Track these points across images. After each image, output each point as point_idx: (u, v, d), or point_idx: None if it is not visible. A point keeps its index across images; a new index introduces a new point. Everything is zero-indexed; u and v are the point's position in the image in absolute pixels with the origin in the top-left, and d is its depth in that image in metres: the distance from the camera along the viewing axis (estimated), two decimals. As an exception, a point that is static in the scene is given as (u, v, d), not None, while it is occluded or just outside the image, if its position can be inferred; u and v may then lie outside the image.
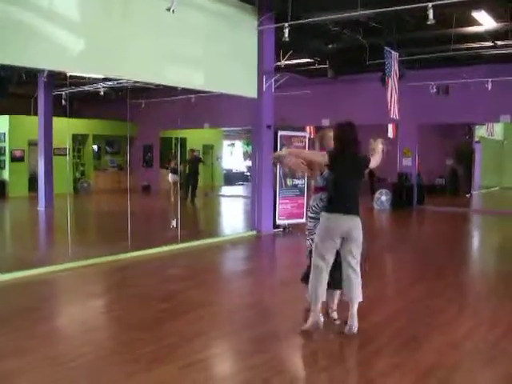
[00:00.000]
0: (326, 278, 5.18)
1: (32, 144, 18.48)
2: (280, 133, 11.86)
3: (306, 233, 5.68)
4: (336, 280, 5.29)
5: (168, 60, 9.61)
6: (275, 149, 11.39)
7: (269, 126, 11.67)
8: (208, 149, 26.08)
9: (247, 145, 30.24)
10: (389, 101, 12.29)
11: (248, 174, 26.50)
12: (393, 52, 12.33)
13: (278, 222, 12.07)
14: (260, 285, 7.60)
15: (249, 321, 5.78)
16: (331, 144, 5.39)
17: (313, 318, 5.21)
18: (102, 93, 18.03)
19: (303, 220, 12.24)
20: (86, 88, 17.75)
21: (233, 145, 32.62)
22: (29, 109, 17.79)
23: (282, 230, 12.07)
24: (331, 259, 5.19)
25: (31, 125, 17.15)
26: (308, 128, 18.69)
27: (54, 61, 8.05)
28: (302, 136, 12.50)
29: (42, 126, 16.04)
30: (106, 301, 6.85)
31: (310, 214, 5.65)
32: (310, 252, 5.40)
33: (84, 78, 15.92)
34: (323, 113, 18.44)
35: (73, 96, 18.17)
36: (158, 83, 11.10)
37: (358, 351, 4.96)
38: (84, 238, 10.66)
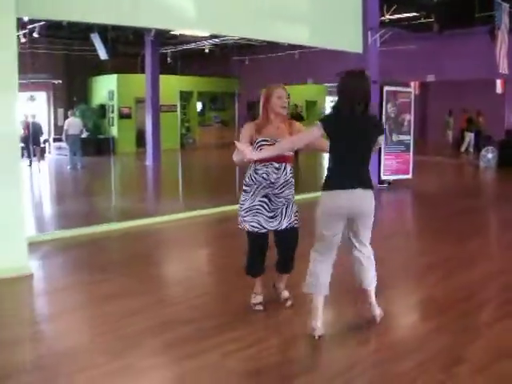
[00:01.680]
0: (328, 267, 4.21)
1: (139, 101, 19.13)
2: (386, 88, 11.70)
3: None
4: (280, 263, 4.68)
5: (272, 16, 9.60)
6: (380, 105, 11.28)
7: (374, 82, 11.47)
8: (311, 105, 25.93)
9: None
10: (497, 55, 11.71)
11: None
12: (503, 4, 11.67)
13: (383, 177, 12.05)
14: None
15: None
16: (279, 109, 4.40)
17: (318, 323, 4.13)
18: (207, 50, 18.33)
19: (409, 176, 12.14)
20: (191, 46, 18.11)
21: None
22: (136, 67, 18.42)
23: (386, 185, 12.03)
24: (337, 245, 4.19)
25: (138, 83, 17.75)
26: (412, 84, 18.15)
27: (162, 20, 8.26)
28: (407, 91, 12.24)
29: (150, 83, 16.59)
30: (212, 249, 7.19)
31: (243, 187, 4.62)
32: (249, 233, 4.55)
33: (189, 36, 16.23)
34: (428, 68, 17.84)
35: (178, 54, 18.62)
36: (263, 39, 11.15)
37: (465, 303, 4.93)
38: (191, 191, 11.04)
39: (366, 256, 4.26)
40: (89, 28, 12.39)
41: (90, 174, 15.44)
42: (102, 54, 12.72)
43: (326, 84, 25.05)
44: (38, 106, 17.17)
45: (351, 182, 3.99)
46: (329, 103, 28.76)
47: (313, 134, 4.10)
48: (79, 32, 14.58)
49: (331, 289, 4.20)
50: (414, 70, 18.27)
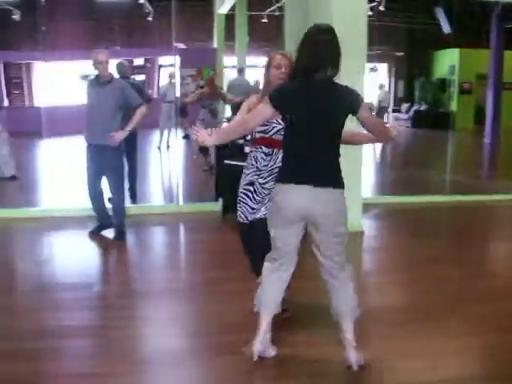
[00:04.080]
0: (281, 280, 3.29)
1: (480, 77, 18.49)
2: None
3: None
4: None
5: None
6: None
7: None
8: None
9: None
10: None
11: None
12: None
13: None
14: None
15: None
16: (276, 80, 3.54)
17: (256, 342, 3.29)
18: None
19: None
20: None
21: None
22: (479, 42, 17.75)
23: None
24: (293, 253, 3.27)
25: (480, 58, 17.13)
26: None
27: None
28: None
29: (493, 59, 15.89)
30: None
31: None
32: (240, 224, 3.84)
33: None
34: None
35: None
36: None
37: None
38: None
39: (339, 279, 3.20)
40: (433, 1, 12.44)
41: (425, 146, 15.59)
42: (446, 27, 12.68)
43: None
44: (378, 77, 17.91)
45: (310, 175, 3.03)
46: None
47: (260, 113, 3.11)
48: (423, 5, 14.73)
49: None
50: None
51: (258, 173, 3.67)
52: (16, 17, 15.40)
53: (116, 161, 5.70)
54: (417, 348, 3.51)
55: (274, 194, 3.16)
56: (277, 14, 16.44)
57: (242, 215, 3.75)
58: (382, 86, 15.61)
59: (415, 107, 18.81)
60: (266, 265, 3.30)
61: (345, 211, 3.13)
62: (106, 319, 4.05)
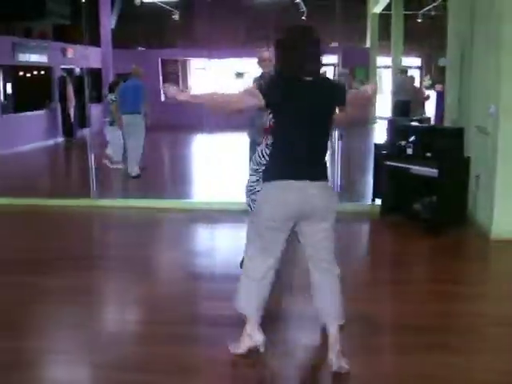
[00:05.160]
0: (265, 283, 3.12)
1: None
2: None
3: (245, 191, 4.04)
4: None
5: None
6: None
7: None
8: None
9: None
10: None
11: None
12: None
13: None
14: None
15: None
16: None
17: (248, 340, 3.20)
18: None
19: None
20: None
21: None
22: None
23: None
24: (278, 253, 3.09)
25: None
26: None
27: None
28: None
29: None
30: None
31: (252, 166, 3.93)
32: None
33: None
34: None
35: None
36: None
37: None
38: None
39: (328, 278, 3.09)
40: None
41: None
42: None
43: None
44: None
45: (303, 170, 2.94)
46: None
47: (244, 100, 2.94)
48: None
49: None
50: None
51: None
52: (175, 16, 16.18)
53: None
54: None
55: (266, 191, 3.01)
56: (433, 13, 15.80)
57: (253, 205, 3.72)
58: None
59: None
60: (248, 270, 3.18)
61: (335, 204, 3.08)
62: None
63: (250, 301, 3.15)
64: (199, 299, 4.18)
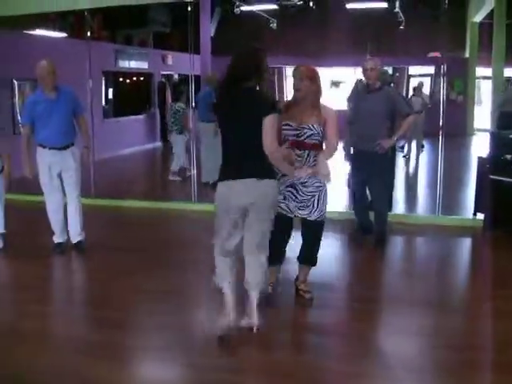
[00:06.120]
0: (227, 260, 3.76)
1: None
2: None
3: None
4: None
5: None
6: None
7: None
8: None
9: None
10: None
11: None
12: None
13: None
14: None
15: None
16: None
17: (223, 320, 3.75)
18: None
19: None
20: None
21: None
22: None
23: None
24: (236, 237, 3.72)
25: None
26: None
27: None
28: None
29: None
30: None
31: None
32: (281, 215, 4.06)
33: None
34: None
35: None
36: None
37: None
38: None
39: (257, 249, 3.68)
40: None
41: None
42: None
43: None
44: None
45: (237, 171, 3.58)
46: None
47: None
48: None
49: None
50: None
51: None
52: (273, 25, 16.51)
53: (382, 167, 5.72)
54: None
55: (217, 190, 3.64)
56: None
57: (286, 208, 4.09)
58: None
59: None
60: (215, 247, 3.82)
61: (272, 197, 3.62)
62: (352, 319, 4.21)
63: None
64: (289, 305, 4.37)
